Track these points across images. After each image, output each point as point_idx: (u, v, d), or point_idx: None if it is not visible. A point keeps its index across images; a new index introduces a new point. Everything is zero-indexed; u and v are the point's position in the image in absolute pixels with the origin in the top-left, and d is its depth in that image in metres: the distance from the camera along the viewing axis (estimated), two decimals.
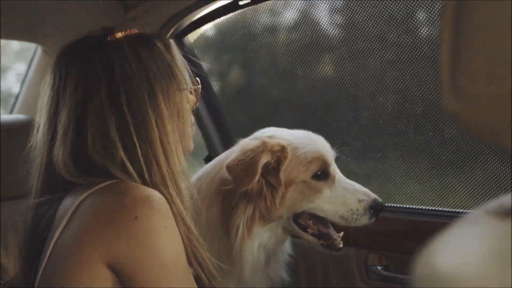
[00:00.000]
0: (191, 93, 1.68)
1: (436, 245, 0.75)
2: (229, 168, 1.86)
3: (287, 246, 2.18)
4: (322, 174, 1.96)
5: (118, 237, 1.31)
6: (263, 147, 1.89)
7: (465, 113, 0.72)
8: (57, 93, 1.56)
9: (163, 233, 1.35)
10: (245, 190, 1.86)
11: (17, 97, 3.45)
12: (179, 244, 1.41)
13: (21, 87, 3.43)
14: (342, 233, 2.04)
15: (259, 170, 1.84)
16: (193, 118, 1.72)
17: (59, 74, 1.57)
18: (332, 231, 2.03)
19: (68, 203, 1.44)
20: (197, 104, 1.75)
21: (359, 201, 1.94)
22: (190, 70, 1.70)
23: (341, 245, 2.02)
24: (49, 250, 1.40)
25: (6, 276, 2.09)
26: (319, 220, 2.01)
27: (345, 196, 1.96)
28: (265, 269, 2.03)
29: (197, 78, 1.74)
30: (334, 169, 2.01)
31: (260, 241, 1.95)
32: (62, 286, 1.33)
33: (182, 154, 1.55)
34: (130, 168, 1.45)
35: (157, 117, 1.49)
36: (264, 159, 1.86)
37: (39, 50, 3.22)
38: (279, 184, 1.89)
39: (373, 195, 1.96)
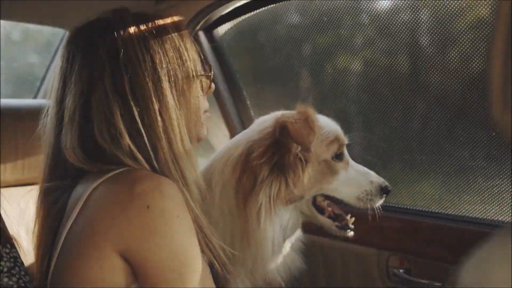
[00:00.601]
0: (201, 80, 1.65)
1: (483, 256, 0.73)
2: (288, 126, 1.84)
3: (300, 232, 2.17)
4: (339, 156, 2.02)
5: (130, 226, 1.29)
6: (310, 111, 1.92)
7: None
8: (64, 76, 1.53)
9: (176, 222, 1.33)
10: (274, 164, 1.86)
11: (41, 82, 3.46)
12: (191, 233, 1.39)
13: (46, 72, 3.44)
14: (349, 215, 2.09)
15: (317, 129, 1.88)
16: (207, 105, 1.70)
17: (67, 57, 1.54)
18: (343, 212, 2.08)
19: (80, 191, 1.43)
20: (210, 91, 1.72)
21: (371, 182, 2.03)
22: (202, 57, 1.67)
23: (352, 226, 2.07)
24: (62, 239, 1.40)
25: (27, 260, 2.11)
26: (334, 201, 2.05)
27: (359, 178, 2.04)
28: (282, 255, 2.03)
29: (210, 65, 1.71)
30: (346, 153, 2.08)
31: (281, 222, 1.94)
32: (75, 275, 1.33)
33: (188, 142, 1.51)
34: (138, 155, 1.43)
35: (161, 105, 1.46)
36: (317, 120, 1.91)
37: (67, 35, 3.23)
38: (311, 157, 1.91)
39: (381, 178, 2.05)
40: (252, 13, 2.82)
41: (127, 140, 1.43)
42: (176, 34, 1.57)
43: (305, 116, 1.87)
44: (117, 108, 1.44)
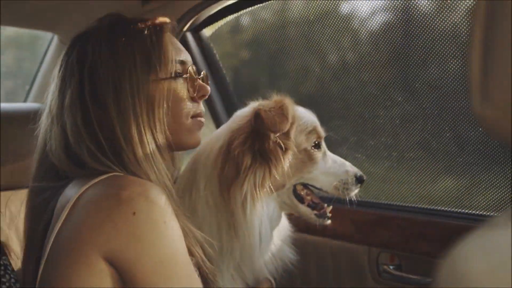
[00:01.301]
0: (188, 83, 1.63)
1: (463, 250, 0.74)
2: (261, 113, 1.85)
3: (287, 223, 2.20)
4: (317, 146, 2.06)
5: (116, 232, 1.28)
6: (284, 100, 1.94)
7: (494, 118, 0.71)
8: (53, 81, 1.59)
9: (162, 228, 1.32)
10: (256, 152, 1.86)
11: (31, 85, 3.45)
12: (179, 238, 1.38)
13: (35, 76, 3.43)
14: (326, 204, 2.13)
15: (292, 115, 1.90)
16: (197, 110, 1.66)
17: (59, 62, 1.59)
18: (321, 201, 2.12)
19: (68, 196, 1.42)
20: (202, 95, 1.68)
21: (347, 172, 2.08)
22: (187, 56, 1.66)
23: (329, 215, 2.11)
24: (50, 243, 1.39)
25: (19, 264, 2.10)
26: (311, 191, 2.10)
27: (336, 168, 2.09)
28: (271, 248, 2.04)
29: (193, 67, 1.66)
30: (323, 144, 2.11)
31: (268, 212, 1.95)
32: (62, 280, 1.32)
33: (153, 146, 1.49)
34: (102, 158, 1.44)
35: (118, 108, 1.46)
36: (292, 108, 1.92)
37: (55, 39, 3.23)
38: (291, 144, 1.93)
39: (356, 168, 2.11)
40: (240, 12, 2.82)
41: (87, 142, 1.45)
42: (153, 35, 1.55)
43: (280, 104, 1.89)
44: (79, 112, 1.47)
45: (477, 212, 2.19)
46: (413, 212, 2.37)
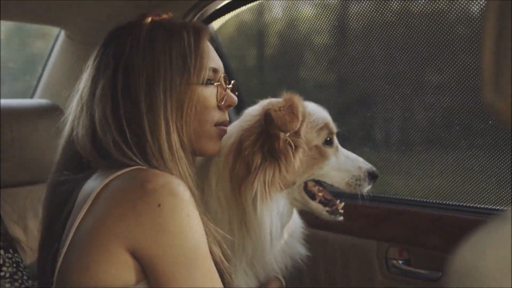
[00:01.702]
0: (217, 90, 1.65)
1: (474, 244, 0.73)
2: (272, 113, 1.84)
3: (298, 219, 2.19)
4: (329, 142, 2.03)
5: (140, 224, 1.30)
6: (295, 98, 1.91)
7: (505, 107, 0.70)
8: (87, 69, 1.62)
9: (186, 221, 1.34)
10: (266, 152, 1.86)
11: (38, 81, 3.45)
12: (201, 232, 1.39)
13: (42, 71, 3.44)
14: (339, 200, 2.09)
15: (301, 114, 1.87)
16: (222, 118, 1.68)
17: (95, 52, 1.62)
18: (333, 198, 2.09)
19: (91, 187, 1.44)
20: (229, 105, 1.70)
21: (360, 168, 2.04)
22: (220, 64, 1.69)
23: (342, 211, 2.08)
24: (71, 234, 1.40)
25: (27, 260, 2.11)
26: (323, 188, 2.06)
27: (348, 164, 2.05)
28: (282, 245, 2.04)
29: (225, 76, 1.69)
30: (336, 139, 2.08)
31: (277, 208, 1.94)
32: (83, 271, 1.33)
33: (179, 147, 1.52)
34: (127, 150, 1.46)
35: (149, 104, 1.49)
36: (302, 107, 1.90)
37: (62, 34, 3.22)
38: (301, 142, 1.92)
39: (369, 164, 2.07)
40: (247, 6, 2.82)
41: (114, 133, 1.47)
42: (191, 40, 1.57)
43: (290, 103, 1.87)
44: (110, 103, 1.49)
45: (487, 206, 2.18)
46: (421, 206, 2.36)
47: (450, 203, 2.29)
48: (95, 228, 1.35)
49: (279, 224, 1.96)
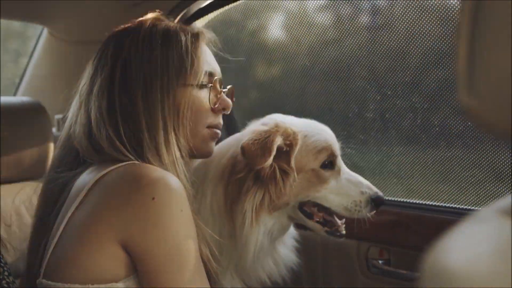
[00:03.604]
0: (210, 93, 1.67)
1: (445, 243, 0.74)
2: (244, 147, 1.83)
3: (292, 230, 2.19)
4: (329, 165, 1.97)
5: (134, 216, 1.32)
6: (278, 128, 1.88)
7: (480, 109, 0.71)
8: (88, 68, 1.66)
9: (179, 216, 1.36)
10: (257, 176, 1.85)
11: (21, 79, 3.43)
12: (193, 229, 1.42)
13: (25, 69, 3.42)
14: (344, 220, 2.05)
15: (274, 150, 1.83)
16: (215, 121, 1.70)
17: (96, 52, 1.66)
18: (335, 218, 2.04)
19: (86, 180, 1.47)
20: (223, 108, 1.73)
21: (362, 193, 1.95)
22: (216, 68, 1.72)
23: (344, 232, 2.03)
24: (63, 225, 1.42)
25: (8, 258, 2.10)
26: (323, 208, 2.00)
27: (349, 188, 1.97)
28: (272, 255, 2.04)
29: (220, 80, 1.71)
30: (340, 161, 2.02)
31: (265, 228, 1.93)
32: (73, 262, 1.36)
33: (176, 149, 1.54)
34: (119, 146, 1.48)
35: (146, 102, 1.51)
36: (279, 139, 1.85)
37: (45, 31, 3.21)
38: (291, 170, 1.88)
39: (375, 189, 1.97)
40: (232, 5, 2.82)
41: (108, 129, 1.50)
42: (189, 42, 1.61)
43: (266, 135, 1.85)
44: (106, 100, 1.53)
45: (465, 207, 2.19)
46: (402, 206, 2.36)
47: (430, 203, 2.30)
48: (88, 220, 1.37)
49: (267, 241, 1.96)
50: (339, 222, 2.04)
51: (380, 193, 1.97)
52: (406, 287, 2.25)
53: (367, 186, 1.98)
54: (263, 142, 1.83)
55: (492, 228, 0.73)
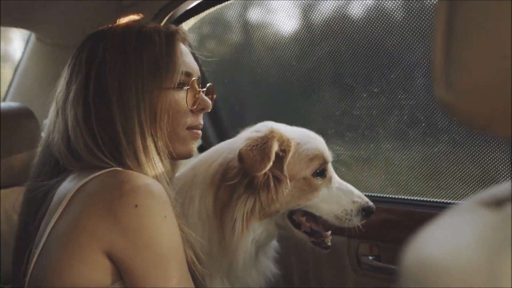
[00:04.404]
0: (187, 94, 1.64)
1: (426, 235, 0.75)
2: (242, 153, 1.83)
3: (274, 241, 2.18)
4: (321, 173, 1.97)
5: (117, 224, 1.31)
6: (273, 134, 1.89)
7: (457, 104, 0.72)
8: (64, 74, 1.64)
9: (163, 223, 1.35)
10: (249, 182, 1.85)
11: (10, 84, 3.42)
12: (177, 234, 1.41)
13: (14, 74, 3.41)
14: (330, 232, 2.06)
15: (273, 155, 1.83)
16: (194, 122, 1.67)
17: (71, 57, 1.64)
18: (322, 230, 2.05)
19: (67, 188, 1.44)
20: (202, 108, 1.70)
21: (353, 202, 1.98)
22: (194, 67, 1.69)
23: (329, 244, 2.05)
24: (45, 235, 1.40)
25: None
26: (312, 218, 2.02)
27: (340, 197, 1.99)
28: (255, 264, 2.03)
29: (198, 80, 1.69)
30: (331, 169, 2.03)
31: (254, 236, 1.94)
32: (57, 272, 1.33)
33: (154, 149, 1.52)
34: (97, 152, 1.47)
35: (121, 107, 1.49)
36: (276, 145, 1.86)
37: (33, 37, 3.20)
38: (284, 177, 1.88)
39: (366, 198, 2.00)
40: (218, 6, 2.82)
41: (85, 136, 1.48)
42: (163, 44, 1.58)
43: (264, 141, 1.86)
44: (81, 106, 1.50)
45: (454, 201, 2.20)
46: (391, 202, 2.38)
47: (419, 199, 2.31)
48: (71, 229, 1.35)
49: (254, 250, 1.96)
50: (325, 233, 2.05)
51: (371, 203, 1.98)
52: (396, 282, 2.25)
53: (358, 195, 2.00)
54: (262, 147, 1.83)
55: (473, 220, 0.74)
